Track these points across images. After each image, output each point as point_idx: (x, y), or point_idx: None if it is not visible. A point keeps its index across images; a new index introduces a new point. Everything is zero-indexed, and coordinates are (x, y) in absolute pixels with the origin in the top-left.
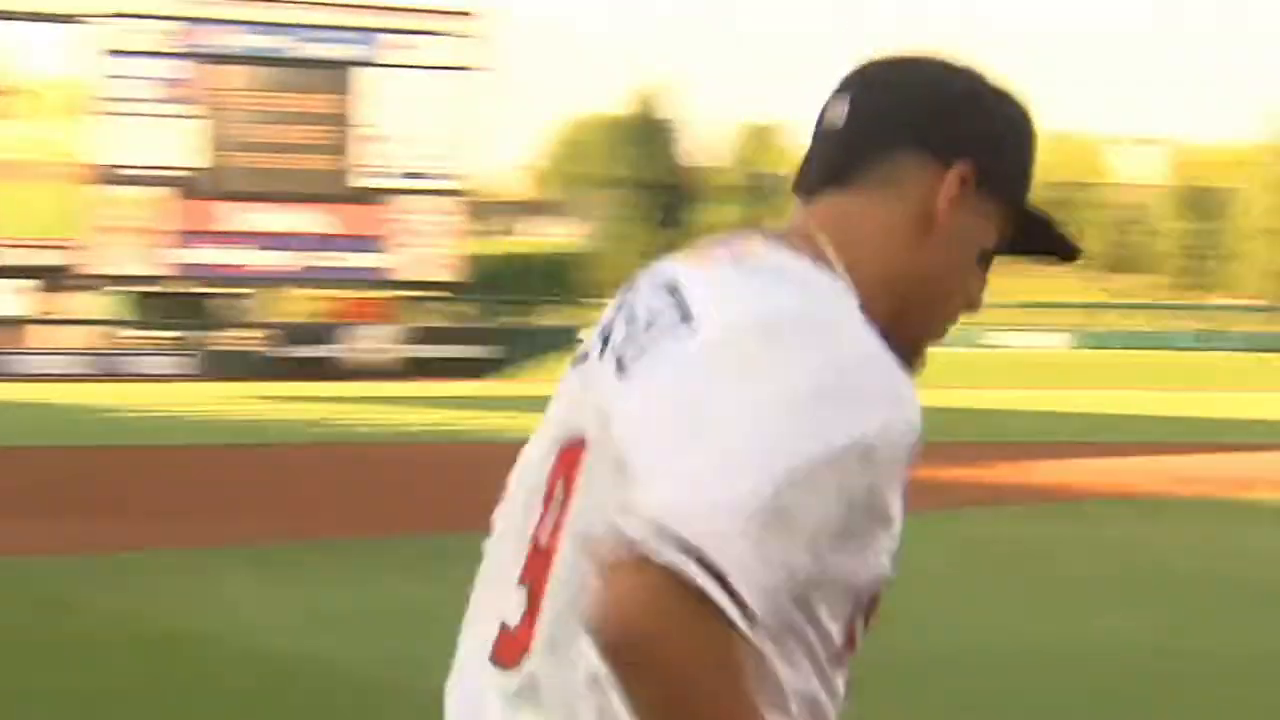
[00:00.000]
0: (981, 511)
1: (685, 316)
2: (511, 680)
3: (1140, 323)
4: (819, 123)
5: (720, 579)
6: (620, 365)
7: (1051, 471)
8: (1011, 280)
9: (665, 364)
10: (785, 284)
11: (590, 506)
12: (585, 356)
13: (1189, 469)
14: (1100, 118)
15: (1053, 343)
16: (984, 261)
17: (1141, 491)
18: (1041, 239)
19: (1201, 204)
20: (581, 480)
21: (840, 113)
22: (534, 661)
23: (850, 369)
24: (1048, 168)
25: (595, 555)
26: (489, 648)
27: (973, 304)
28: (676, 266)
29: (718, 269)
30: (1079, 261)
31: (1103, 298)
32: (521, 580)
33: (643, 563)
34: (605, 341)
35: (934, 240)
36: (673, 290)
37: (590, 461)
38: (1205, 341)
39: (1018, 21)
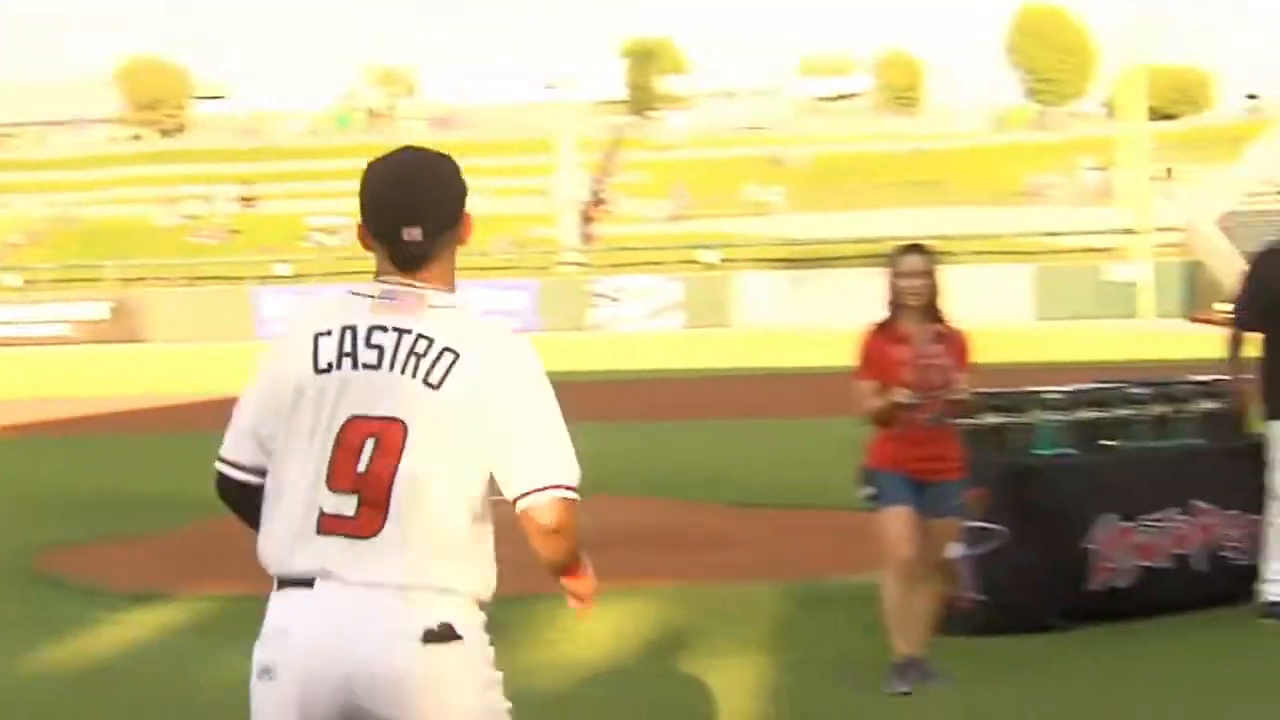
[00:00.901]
0: None
1: (449, 349)
2: (357, 543)
3: None
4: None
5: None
6: (426, 381)
7: None
8: None
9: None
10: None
11: (430, 457)
12: (332, 368)
13: None
14: None
15: None
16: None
17: None
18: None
19: None
20: (411, 437)
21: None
22: (386, 531)
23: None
24: None
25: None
26: (314, 525)
27: None
28: (385, 317)
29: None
30: None
31: None
32: (339, 488)
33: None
34: (369, 360)
35: None
36: (406, 331)
37: (415, 432)
38: None
39: None
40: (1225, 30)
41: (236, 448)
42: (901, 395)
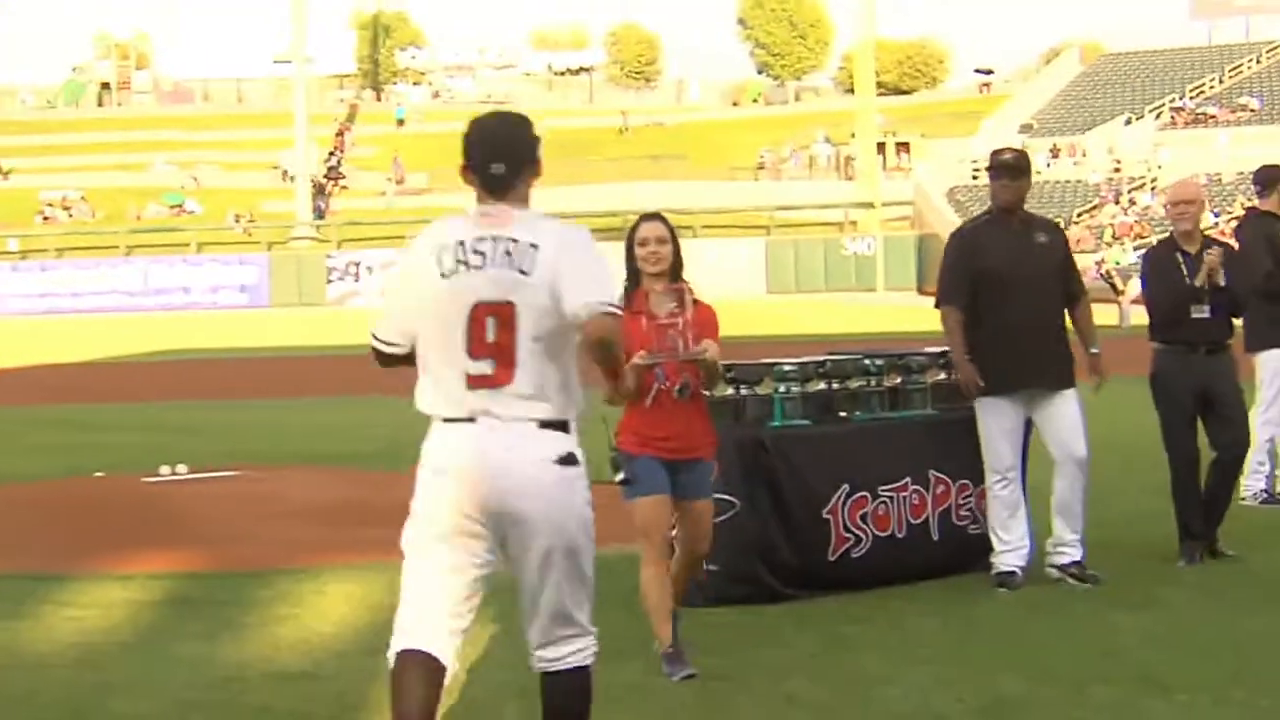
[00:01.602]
0: None
1: (532, 244)
2: (499, 391)
3: None
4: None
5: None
6: (520, 270)
7: None
8: None
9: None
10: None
11: (537, 325)
12: (454, 272)
13: None
14: None
15: None
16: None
17: None
18: None
19: None
20: (519, 312)
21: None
22: (516, 380)
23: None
24: None
25: (578, 318)
26: (465, 384)
27: None
28: (484, 229)
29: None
30: None
31: None
32: (478, 356)
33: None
34: (478, 263)
35: None
36: (499, 237)
37: (521, 308)
38: None
39: None
40: (957, 4)
41: (386, 331)
42: (640, 357)
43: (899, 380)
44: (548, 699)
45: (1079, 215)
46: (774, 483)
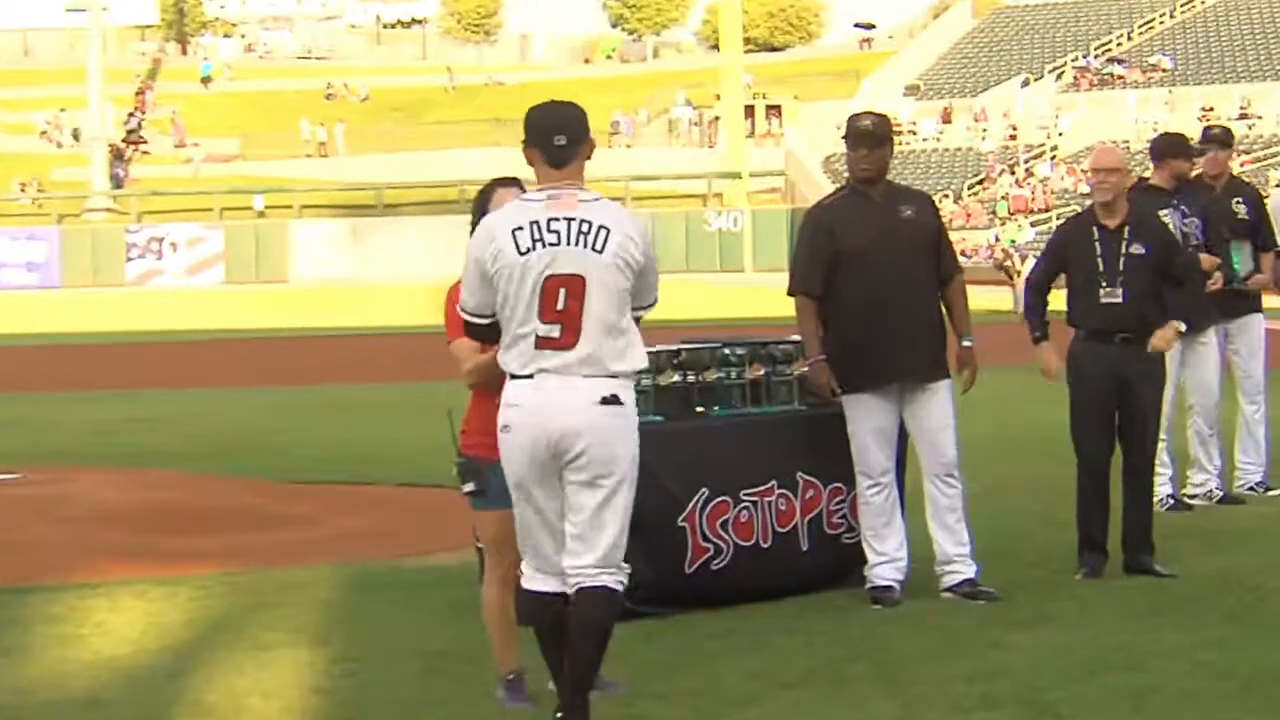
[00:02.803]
0: None
1: (604, 227)
2: (563, 353)
3: None
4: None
5: None
6: (593, 249)
7: None
8: None
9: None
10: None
11: (603, 296)
12: (531, 249)
13: None
14: None
15: None
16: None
17: None
18: None
19: None
20: (588, 285)
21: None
22: (580, 344)
23: None
24: None
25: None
26: (534, 344)
27: None
28: (555, 211)
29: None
30: None
31: None
32: (548, 321)
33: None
34: (553, 241)
35: None
36: (572, 219)
37: (590, 282)
38: None
39: None
40: None
41: (474, 305)
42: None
43: (763, 372)
44: (576, 609)
45: (971, 188)
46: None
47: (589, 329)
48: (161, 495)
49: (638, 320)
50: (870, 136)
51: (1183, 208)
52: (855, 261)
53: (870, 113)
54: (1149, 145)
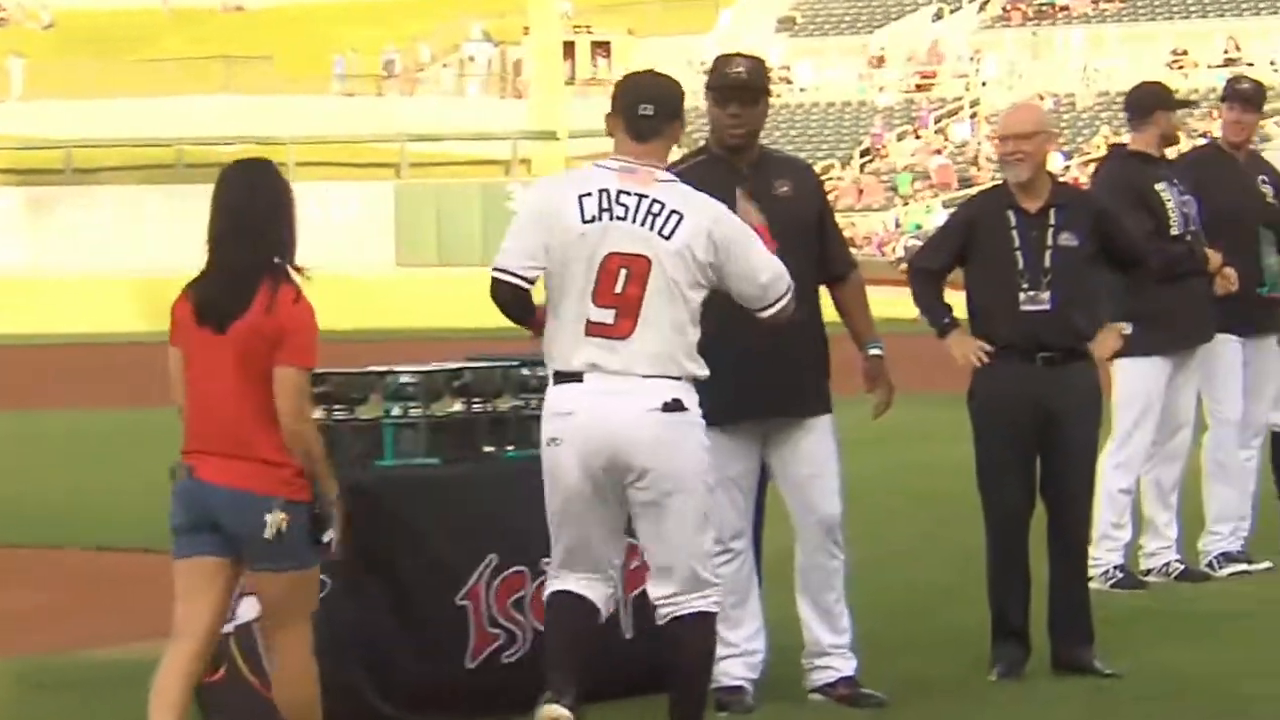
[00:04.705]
0: None
1: (676, 211)
2: (616, 342)
3: None
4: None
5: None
6: (660, 233)
7: None
8: None
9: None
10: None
11: (667, 284)
12: (595, 219)
13: None
14: None
15: None
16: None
17: None
18: None
19: None
20: (653, 269)
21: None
22: (637, 334)
23: None
24: None
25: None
26: (583, 330)
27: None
28: (628, 184)
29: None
30: None
31: None
32: (602, 304)
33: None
34: (620, 215)
35: None
36: (644, 196)
37: (655, 266)
38: None
39: None
40: None
41: (516, 264)
42: None
43: None
44: (673, 640)
45: (863, 155)
46: (383, 551)
47: (649, 319)
48: None
49: (775, 315)
50: (745, 90)
51: (1176, 182)
52: None
53: (743, 55)
54: (1128, 99)
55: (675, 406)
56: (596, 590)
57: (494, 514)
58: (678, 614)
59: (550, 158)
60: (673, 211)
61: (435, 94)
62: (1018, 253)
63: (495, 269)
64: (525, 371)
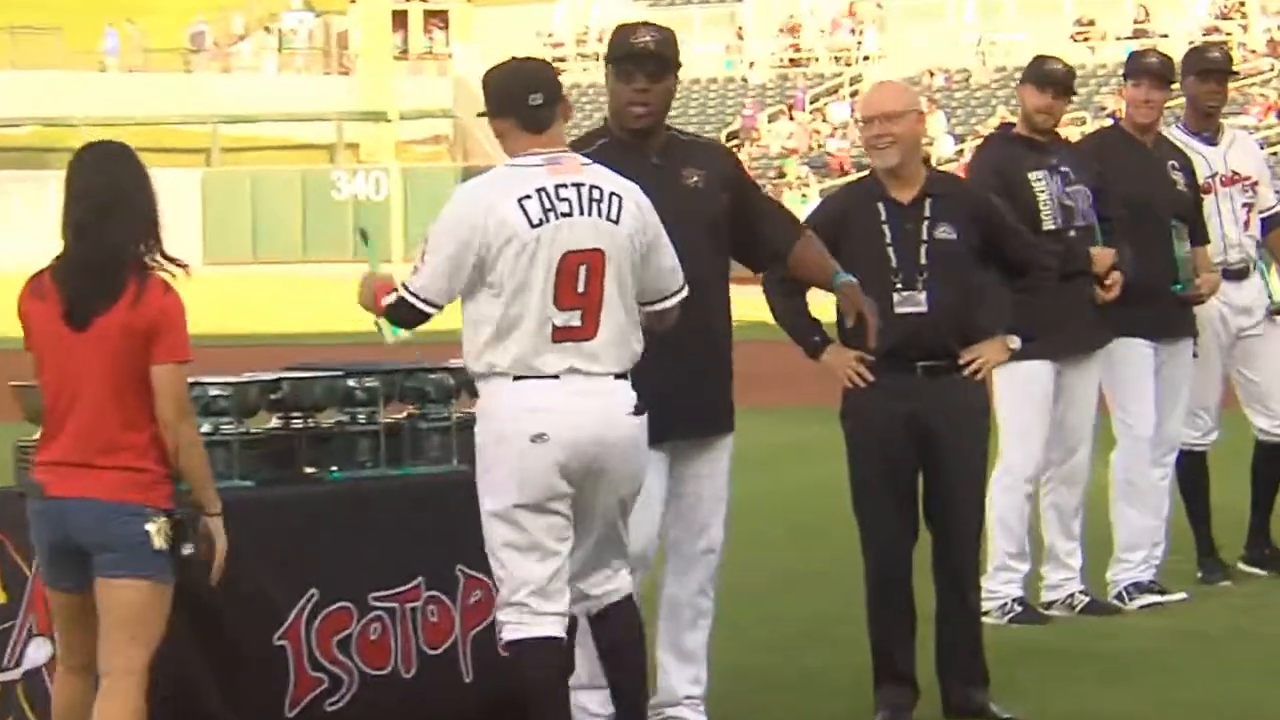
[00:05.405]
0: None
1: (615, 193)
2: (584, 344)
3: None
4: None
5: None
6: (608, 218)
7: None
8: None
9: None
10: None
11: (620, 274)
12: (544, 221)
13: None
14: None
15: None
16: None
17: None
18: None
19: None
20: (608, 261)
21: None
22: (602, 333)
23: None
24: None
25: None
26: (549, 335)
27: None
28: (561, 176)
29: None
30: None
31: None
32: (566, 307)
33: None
34: (565, 210)
35: None
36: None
37: (610, 256)
38: None
39: None
40: None
41: (433, 290)
42: None
43: (408, 414)
44: (606, 635)
45: (731, 139)
46: (191, 584)
47: (609, 315)
48: None
49: (666, 311)
50: (653, 60)
51: (1064, 169)
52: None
53: (648, 24)
54: (1020, 74)
55: (639, 410)
56: (566, 622)
57: (314, 544)
58: (616, 600)
59: (381, 142)
60: (611, 194)
61: (249, 70)
62: (890, 249)
63: (411, 291)
64: (351, 383)
